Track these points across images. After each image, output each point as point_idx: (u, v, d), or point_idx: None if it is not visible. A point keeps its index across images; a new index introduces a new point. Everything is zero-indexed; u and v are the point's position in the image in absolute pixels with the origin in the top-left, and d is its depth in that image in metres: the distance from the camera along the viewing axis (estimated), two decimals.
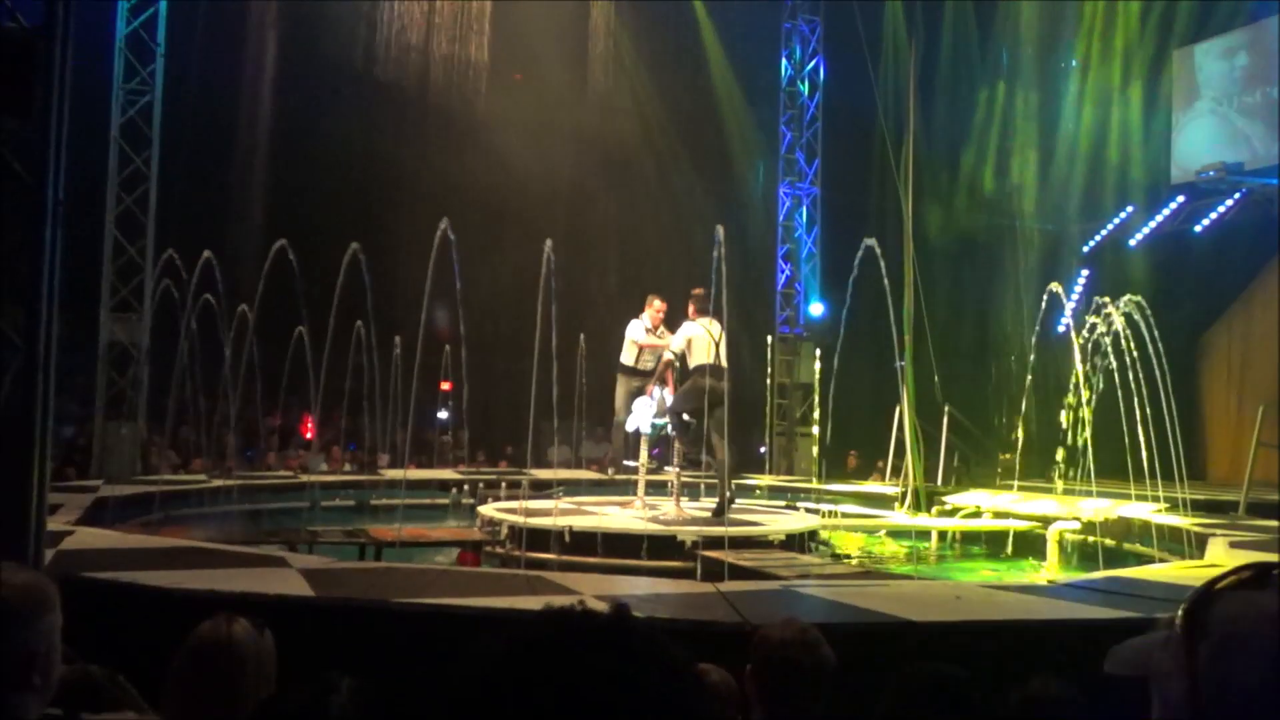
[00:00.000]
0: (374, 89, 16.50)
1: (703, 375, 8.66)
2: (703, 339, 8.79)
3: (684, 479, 9.21)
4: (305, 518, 9.36)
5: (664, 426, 9.08)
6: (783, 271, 17.97)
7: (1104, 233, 17.07)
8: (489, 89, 16.86)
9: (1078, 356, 10.02)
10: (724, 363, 8.67)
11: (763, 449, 16.86)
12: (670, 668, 0.81)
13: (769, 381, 16.36)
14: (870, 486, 13.08)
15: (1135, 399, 8.58)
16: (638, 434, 9.32)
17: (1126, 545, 9.20)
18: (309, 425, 14.35)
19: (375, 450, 12.80)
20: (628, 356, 9.35)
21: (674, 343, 8.96)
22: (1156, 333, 9.19)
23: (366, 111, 16.54)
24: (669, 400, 9.04)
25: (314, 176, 16.17)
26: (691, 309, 9.00)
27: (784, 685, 2.66)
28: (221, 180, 15.44)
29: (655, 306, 9.39)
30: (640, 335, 9.31)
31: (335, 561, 6.17)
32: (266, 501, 10.26)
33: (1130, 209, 16.68)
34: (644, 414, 9.19)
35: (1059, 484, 11.51)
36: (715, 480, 9.23)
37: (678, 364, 9.02)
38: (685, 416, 8.89)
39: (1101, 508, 9.35)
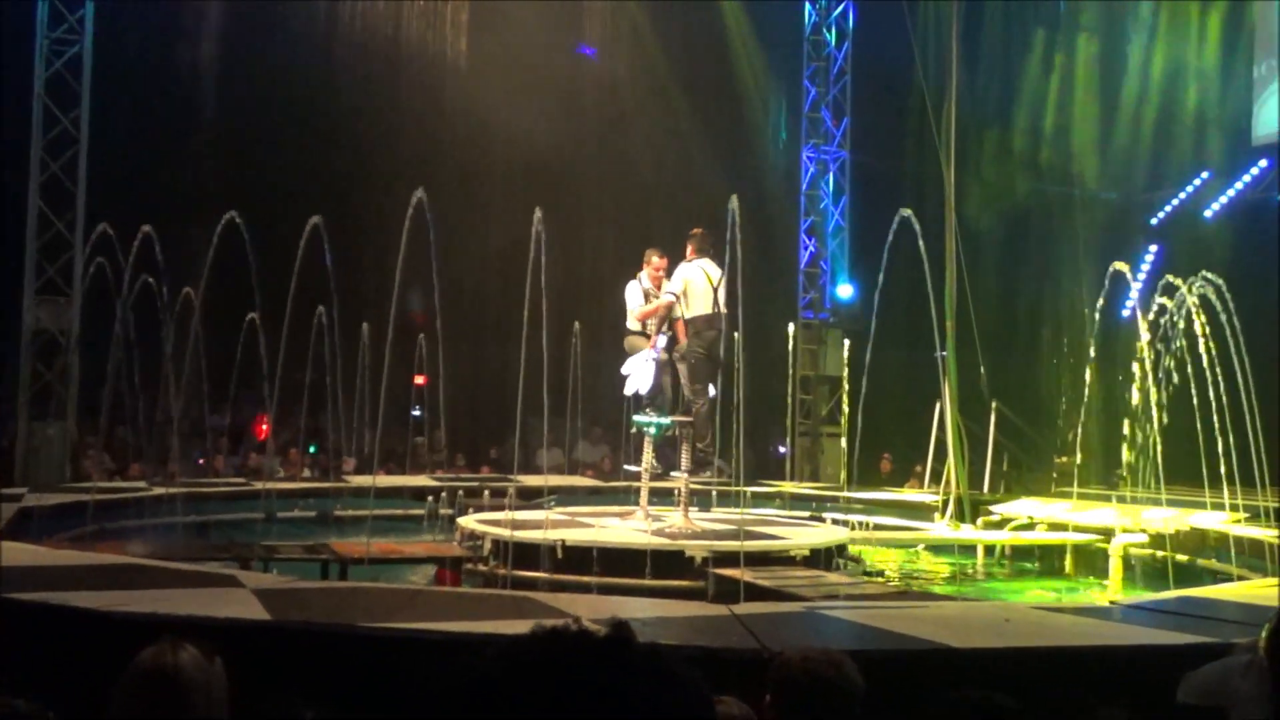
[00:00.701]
0: (339, 40, 16.49)
1: (708, 327, 8.74)
2: (700, 283, 8.82)
3: (693, 485, 9.22)
4: (260, 531, 9.37)
5: (670, 427, 9.07)
6: (806, 248, 17.97)
7: (1175, 202, 17.05)
8: (469, 36, 16.84)
9: (1145, 344, 10.00)
10: (723, 308, 8.72)
11: (783, 451, 16.88)
12: (679, 687, 0.80)
13: (790, 374, 16.36)
14: (907, 494, 13.07)
15: (1211, 392, 8.57)
16: (640, 434, 9.32)
17: (1200, 561, 9.20)
18: (264, 425, 14.35)
19: (339, 454, 12.80)
20: (632, 321, 9.36)
21: (671, 285, 9.01)
22: (1235, 317, 9.17)
23: (330, 66, 16.52)
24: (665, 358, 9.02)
25: (270, 140, 16.15)
26: (689, 249, 9.03)
27: (806, 714, 2.67)
28: (163, 144, 15.41)
29: (654, 264, 9.34)
30: (640, 301, 9.28)
31: (294, 580, 6.18)
32: (216, 512, 10.27)
33: (1205, 175, 16.66)
34: (642, 371, 9.09)
35: (1123, 491, 11.50)
36: (727, 483, 9.28)
37: (683, 311, 8.99)
38: (711, 389, 8.92)
39: (1171, 518, 9.35)
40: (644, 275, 9.38)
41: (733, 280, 8.53)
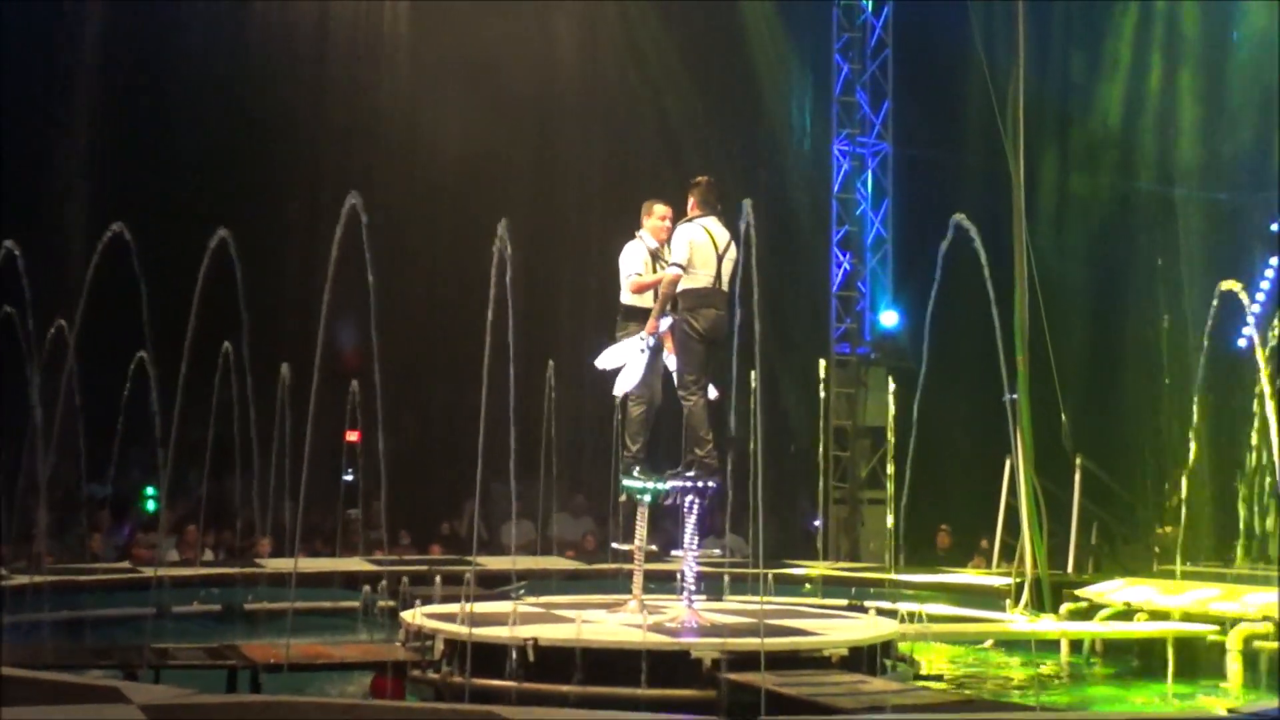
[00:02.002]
0: (254, 13, 16.64)
1: (705, 304, 8.60)
2: (706, 247, 8.66)
3: (701, 566, 9.19)
4: (150, 630, 9.30)
5: (667, 493, 9.03)
6: (839, 265, 18.06)
7: None
8: (414, 28, 17.01)
9: (1266, 381, 10.03)
10: (725, 285, 8.63)
11: (815, 523, 16.85)
12: None
13: (822, 425, 16.36)
14: (970, 576, 13.04)
15: None
16: (631, 502, 9.28)
17: None
18: (153, 495, 14.30)
19: (252, 531, 12.75)
20: (628, 294, 9.14)
21: (674, 254, 8.75)
22: None
23: (241, 44, 16.65)
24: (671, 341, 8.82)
25: (165, 137, 16.24)
26: (691, 202, 8.87)
27: None
28: (32, 142, 15.48)
29: (658, 213, 9.11)
30: (640, 264, 9.01)
31: (192, 694, 6.12)
32: (93, 606, 10.19)
33: None
34: (634, 363, 8.81)
35: (1241, 568, 11.49)
36: (743, 564, 9.22)
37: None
38: (711, 390, 8.77)
39: None
40: (645, 233, 9.16)
41: (746, 300, 8.54)
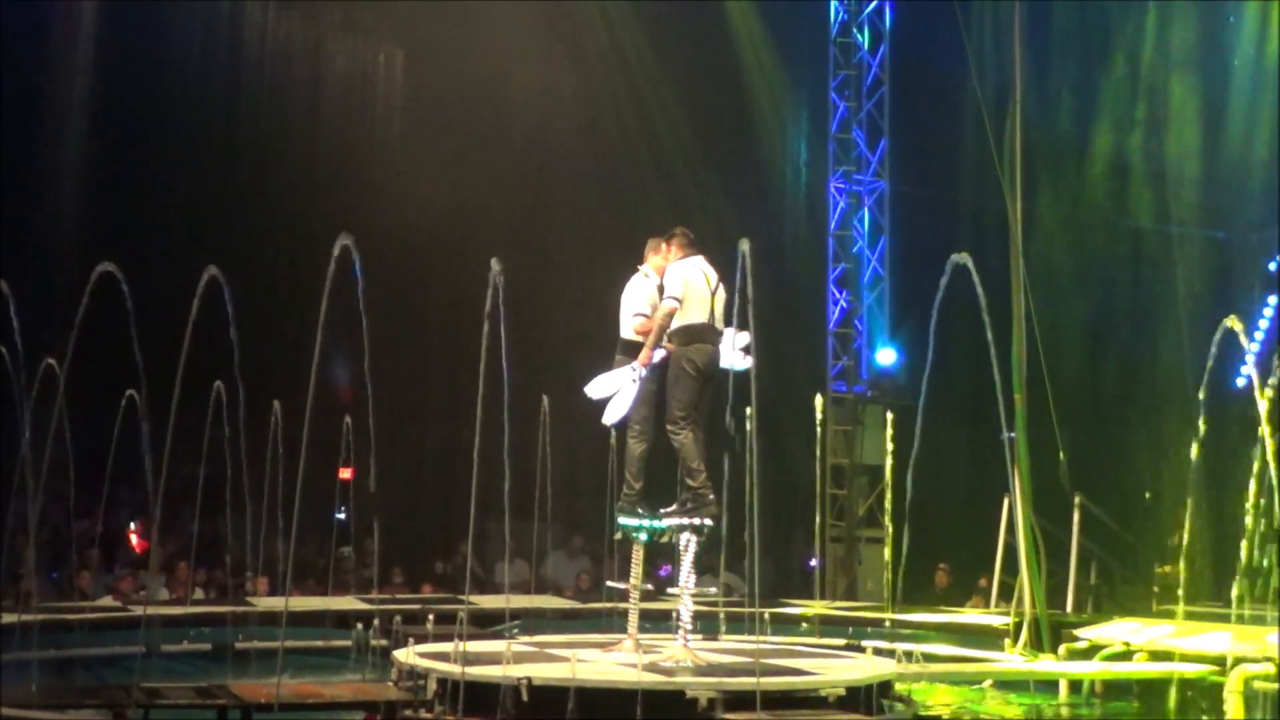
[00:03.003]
0: (245, 50, 16.73)
1: (701, 339, 8.67)
2: (699, 283, 8.75)
3: (698, 605, 9.17)
4: (139, 669, 9.25)
5: (664, 531, 9.01)
6: (836, 302, 18.10)
7: None
8: (408, 42, 17.11)
9: (1265, 421, 10.04)
10: (720, 324, 8.69)
11: (812, 563, 16.82)
12: None
13: (819, 463, 16.34)
14: (969, 615, 13.01)
15: None
16: (628, 540, 9.27)
17: None
18: (143, 532, 14.26)
19: (243, 570, 12.71)
20: (629, 330, 9.10)
21: (669, 288, 8.80)
22: None
23: (234, 83, 16.74)
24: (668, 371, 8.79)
25: (156, 172, 16.29)
26: (674, 249, 8.93)
27: None
28: (21, 180, 15.53)
29: (664, 252, 9.10)
30: (645, 304, 9.00)
31: None
32: (81, 645, 10.17)
33: None
34: (625, 392, 8.81)
35: (1243, 609, 11.47)
36: (739, 603, 9.19)
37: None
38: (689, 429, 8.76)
39: None
40: (649, 268, 9.18)
41: (746, 342, 8.58)
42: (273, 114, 16.81)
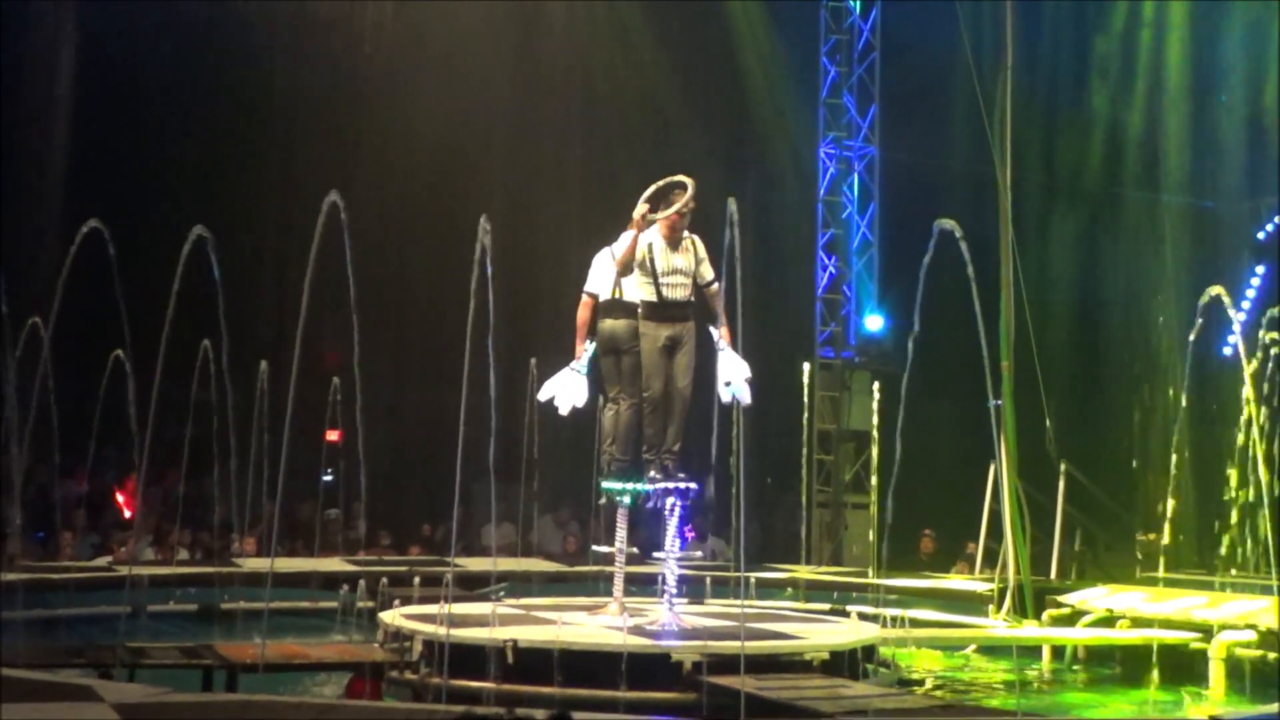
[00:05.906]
0: (231, 11, 16.62)
1: (606, 316, 8.93)
2: (610, 263, 8.98)
3: (683, 569, 9.21)
4: (125, 629, 9.27)
5: (646, 494, 9.03)
6: (825, 268, 18.09)
7: None
8: (398, 21, 16.99)
9: (1250, 389, 10.08)
10: (650, 295, 8.85)
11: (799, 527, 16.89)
12: None
13: (805, 428, 16.38)
14: (953, 582, 13.08)
15: None
16: (612, 505, 9.28)
17: None
18: (129, 493, 14.25)
19: (229, 531, 12.72)
20: (602, 284, 9.21)
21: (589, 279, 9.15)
22: None
23: (218, 42, 16.61)
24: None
25: (142, 130, 16.20)
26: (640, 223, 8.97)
27: None
28: (6, 140, 15.42)
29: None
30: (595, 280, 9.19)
31: (167, 692, 6.12)
32: (66, 605, 10.18)
33: None
34: (571, 388, 9.12)
35: (1225, 576, 11.54)
36: (725, 568, 9.22)
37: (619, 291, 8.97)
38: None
39: None
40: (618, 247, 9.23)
41: (731, 305, 8.56)
42: (260, 69, 16.68)
